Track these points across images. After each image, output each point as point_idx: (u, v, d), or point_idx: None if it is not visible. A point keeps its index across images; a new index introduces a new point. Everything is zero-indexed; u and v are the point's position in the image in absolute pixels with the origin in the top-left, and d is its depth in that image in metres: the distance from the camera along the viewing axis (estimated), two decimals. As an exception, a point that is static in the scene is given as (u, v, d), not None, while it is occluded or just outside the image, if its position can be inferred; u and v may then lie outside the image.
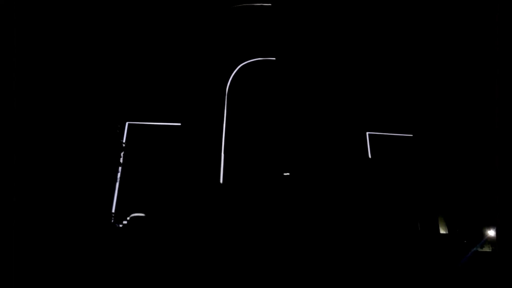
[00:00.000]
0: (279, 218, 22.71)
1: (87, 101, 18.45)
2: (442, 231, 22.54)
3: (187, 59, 25.31)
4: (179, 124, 23.65)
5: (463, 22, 26.64)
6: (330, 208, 22.56)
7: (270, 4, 27.24)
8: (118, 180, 21.45)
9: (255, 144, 25.06)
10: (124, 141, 22.44)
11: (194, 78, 24.91)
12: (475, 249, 20.86)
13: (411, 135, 24.85)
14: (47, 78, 17.00)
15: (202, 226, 20.95)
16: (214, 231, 21.06)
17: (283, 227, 22.40)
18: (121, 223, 20.52)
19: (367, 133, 24.57)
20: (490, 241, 21.54)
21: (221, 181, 22.69)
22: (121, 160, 21.09)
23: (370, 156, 23.98)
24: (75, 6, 20.20)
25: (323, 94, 25.69)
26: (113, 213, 20.41)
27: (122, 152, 20.99)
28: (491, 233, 21.45)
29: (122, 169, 21.66)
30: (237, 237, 21.29)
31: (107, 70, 22.76)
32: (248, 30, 26.61)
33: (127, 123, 23.42)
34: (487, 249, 21.42)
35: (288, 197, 23.44)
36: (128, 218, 20.80)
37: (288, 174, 23.77)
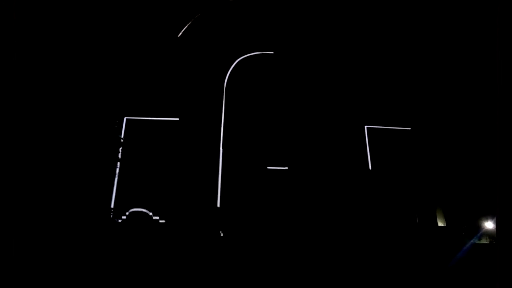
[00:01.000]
0: (278, 215, 22.76)
1: (85, 97, 18.39)
2: (440, 224, 22.67)
3: (185, 53, 25.21)
4: (178, 119, 23.61)
5: (461, 16, 26.59)
6: (329, 202, 22.62)
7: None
8: (117, 175, 21.45)
9: (253, 138, 25.04)
10: (122, 136, 22.38)
11: (192, 73, 24.83)
12: (473, 241, 21.00)
13: (409, 129, 24.89)
14: (45, 74, 16.92)
15: (202, 223, 21.00)
16: (213, 230, 21.10)
17: (283, 224, 22.47)
18: (120, 218, 20.55)
19: (366, 126, 24.59)
20: (487, 233, 21.68)
21: (219, 175, 22.70)
22: (120, 155, 21.06)
23: (369, 154, 24.02)
24: (74, 4, 20.07)
25: (321, 88, 25.66)
26: (112, 208, 20.42)
27: (120, 147, 20.96)
28: (489, 225, 21.58)
29: (120, 164, 21.64)
30: (237, 234, 21.34)
31: (105, 66, 22.65)
32: (245, 25, 26.49)
33: (125, 118, 23.35)
34: (484, 241, 21.56)
35: (287, 191, 23.48)
36: (127, 213, 20.83)
37: (271, 167, 23.74)
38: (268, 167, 24.01)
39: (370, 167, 23.57)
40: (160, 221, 21.04)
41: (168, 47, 25.21)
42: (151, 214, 20.98)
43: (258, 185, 23.50)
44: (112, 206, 20.96)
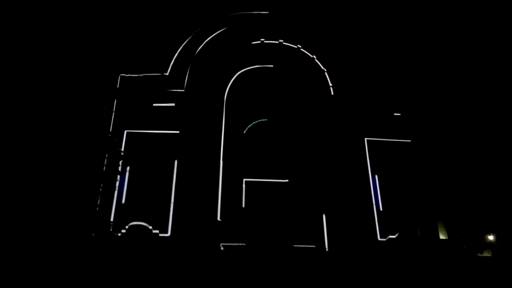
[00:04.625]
0: (279, 228, 22.64)
1: (86, 110, 18.46)
2: (441, 237, 22.49)
3: (185, 66, 25.37)
4: (178, 132, 23.61)
5: (462, 29, 26.84)
6: (329, 213, 22.50)
7: (267, 12, 27.40)
8: (117, 188, 21.36)
9: (254, 151, 25.04)
10: (122, 149, 22.36)
11: (192, 86, 24.94)
12: (474, 254, 20.84)
13: (410, 141, 24.83)
14: (46, 86, 17.02)
15: (203, 236, 20.87)
16: (213, 243, 20.97)
17: (284, 238, 22.35)
18: (120, 232, 20.40)
19: (366, 139, 24.55)
20: (489, 246, 21.51)
21: (220, 188, 22.62)
22: (120, 168, 21.02)
23: (369, 162, 23.96)
24: (82, 19, 20.34)
25: (322, 101, 25.73)
26: (111, 221, 20.28)
27: (120, 160, 20.93)
28: (491, 238, 21.43)
29: (120, 177, 21.55)
30: (237, 248, 21.22)
31: (105, 80, 22.80)
32: (245, 38, 26.72)
33: (125, 131, 23.35)
34: (486, 254, 21.38)
35: (288, 204, 23.41)
36: (126, 227, 20.70)
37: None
38: (268, 180, 23.96)
39: (369, 179, 23.44)
40: (160, 235, 20.89)
41: (169, 60, 25.37)
42: (151, 227, 20.84)
43: (258, 198, 23.41)
44: (111, 219, 20.81)
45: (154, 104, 24.16)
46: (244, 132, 25.34)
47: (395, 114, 25.46)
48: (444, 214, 23.37)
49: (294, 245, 21.57)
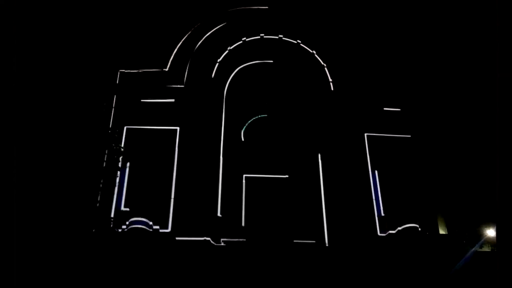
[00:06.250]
0: (280, 223, 22.71)
1: (86, 107, 18.45)
2: (441, 232, 22.55)
3: (185, 62, 25.31)
4: (178, 128, 23.59)
5: (462, 24, 26.78)
6: (329, 208, 22.57)
7: (267, 7, 27.31)
8: (117, 184, 21.39)
9: (254, 147, 25.06)
10: (122, 145, 22.35)
11: (192, 81, 24.90)
12: (474, 249, 20.90)
13: (409, 136, 24.83)
14: (45, 82, 17.01)
15: (203, 232, 20.92)
16: (214, 239, 21.03)
17: (285, 233, 22.42)
18: (120, 228, 20.44)
19: (365, 134, 24.54)
20: (489, 241, 21.57)
21: (220, 184, 22.66)
22: (120, 164, 21.04)
23: (369, 158, 23.97)
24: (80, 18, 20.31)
25: (321, 96, 25.72)
26: (112, 217, 20.33)
27: (120, 156, 20.94)
28: (490, 233, 21.48)
29: (120, 173, 21.57)
30: (238, 243, 21.27)
31: (105, 76, 22.77)
32: (245, 33, 26.63)
33: (125, 127, 23.32)
34: (486, 249, 21.44)
35: (288, 199, 23.47)
36: (127, 223, 20.74)
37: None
38: (268, 175, 24.00)
39: (369, 175, 23.44)
40: (161, 230, 20.94)
41: (168, 56, 25.31)
42: (151, 223, 20.87)
43: (258, 194, 23.45)
44: (112, 215, 20.84)
45: (153, 100, 24.13)
46: (244, 127, 25.35)
47: (395, 109, 25.46)
48: (444, 209, 23.42)
49: (294, 241, 21.65)
